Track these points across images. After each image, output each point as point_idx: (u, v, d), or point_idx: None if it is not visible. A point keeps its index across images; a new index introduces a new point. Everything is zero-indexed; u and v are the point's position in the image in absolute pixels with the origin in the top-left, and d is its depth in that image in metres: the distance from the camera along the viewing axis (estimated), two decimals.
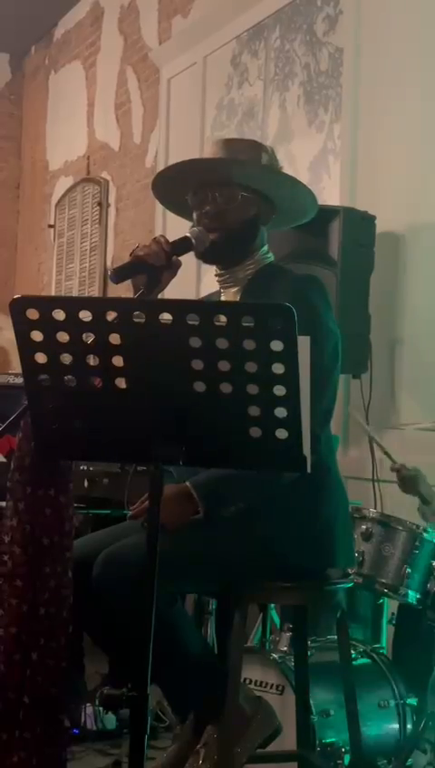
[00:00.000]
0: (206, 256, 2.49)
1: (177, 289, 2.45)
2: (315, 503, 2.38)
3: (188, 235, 2.43)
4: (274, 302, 1.82)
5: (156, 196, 2.64)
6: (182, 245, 2.42)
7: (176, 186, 2.53)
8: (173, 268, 2.41)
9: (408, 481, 3.13)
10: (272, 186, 2.49)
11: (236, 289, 2.51)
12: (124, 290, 2.80)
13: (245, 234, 2.48)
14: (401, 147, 3.98)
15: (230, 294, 2.52)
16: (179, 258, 2.42)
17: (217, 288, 2.58)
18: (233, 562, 2.33)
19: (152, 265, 2.36)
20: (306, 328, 2.20)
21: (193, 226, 2.47)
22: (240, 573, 2.35)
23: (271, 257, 2.56)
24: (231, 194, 2.45)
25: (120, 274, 2.39)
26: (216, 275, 2.56)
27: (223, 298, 2.53)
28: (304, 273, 2.58)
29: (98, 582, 2.23)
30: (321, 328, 2.37)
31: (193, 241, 2.42)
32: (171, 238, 2.43)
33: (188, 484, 2.33)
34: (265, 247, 2.55)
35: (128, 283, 2.43)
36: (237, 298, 2.49)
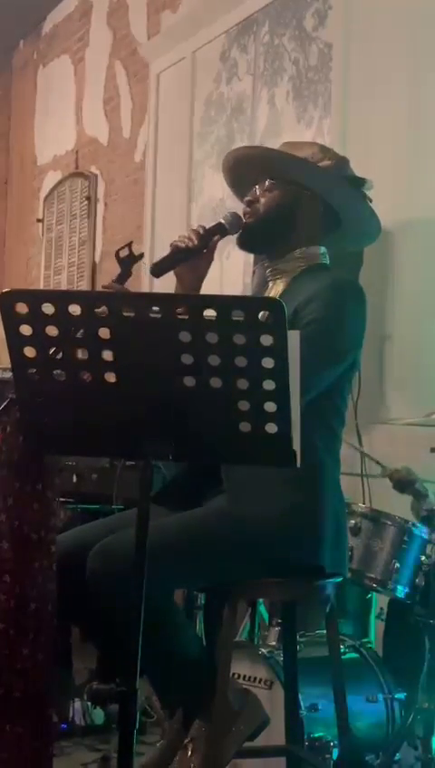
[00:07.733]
0: (239, 241, 2.57)
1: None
2: (307, 499, 2.37)
3: (221, 220, 2.52)
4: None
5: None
6: (216, 230, 2.50)
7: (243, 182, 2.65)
8: (209, 254, 2.49)
9: (403, 482, 3.14)
10: (315, 179, 2.54)
11: (281, 281, 2.55)
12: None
13: (276, 221, 2.53)
14: (389, 143, 3.98)
15: (276, 288, 2.55)
16: (217, 243, 2.50)
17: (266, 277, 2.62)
18: (223, 558, 2.32)
19: (189, 250, 2.43)
20: (325, 331, 2.30)
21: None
22: (230, 569, 2.35)
23: (326, 260, 2.58)
24: (264, 183, 2.55)
25: (160, 267, 2.46)
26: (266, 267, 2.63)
27: (269, 291, 2.57)
28: (346, 278, 2.59)
29: (92, 576, 2.22)
30: (340, 333, 2.44)
31: (226, 226, 2.50)
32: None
33: None
34: (323, 248, 2.57)
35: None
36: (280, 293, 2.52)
